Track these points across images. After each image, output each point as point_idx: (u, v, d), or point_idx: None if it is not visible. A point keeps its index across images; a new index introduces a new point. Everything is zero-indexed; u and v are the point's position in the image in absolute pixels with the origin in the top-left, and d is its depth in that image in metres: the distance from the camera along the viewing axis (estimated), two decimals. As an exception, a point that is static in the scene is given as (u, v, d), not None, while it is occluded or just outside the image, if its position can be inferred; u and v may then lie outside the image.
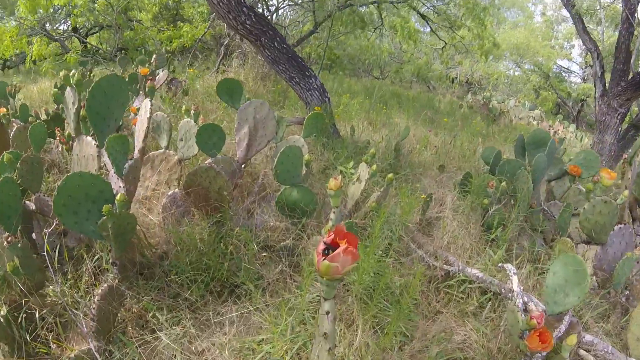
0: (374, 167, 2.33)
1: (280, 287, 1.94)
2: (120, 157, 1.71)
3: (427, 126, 6.11)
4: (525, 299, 1.79)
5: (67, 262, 1.92)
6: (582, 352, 1.77)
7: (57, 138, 2.80)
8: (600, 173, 2.37)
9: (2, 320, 1.56)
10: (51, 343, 1.64)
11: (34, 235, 1.98)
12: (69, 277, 1.86)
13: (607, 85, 5.47)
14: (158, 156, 2.44)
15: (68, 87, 2.17)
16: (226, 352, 1.55)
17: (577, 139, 9.97)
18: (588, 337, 1.76)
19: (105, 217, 1.54)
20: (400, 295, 1.88)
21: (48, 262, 1.75)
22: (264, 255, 2.13)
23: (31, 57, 7.55)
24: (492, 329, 1.82)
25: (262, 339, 1.62)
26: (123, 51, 9.52)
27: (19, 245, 1.61)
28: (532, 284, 2.18)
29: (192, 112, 2.57)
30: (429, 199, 2.60)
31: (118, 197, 1.59)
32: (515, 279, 1.80)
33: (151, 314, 1.76)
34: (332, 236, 1.01)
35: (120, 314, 1.76)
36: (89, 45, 9.93)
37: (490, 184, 2.56)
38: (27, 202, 1.98)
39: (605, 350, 1.73)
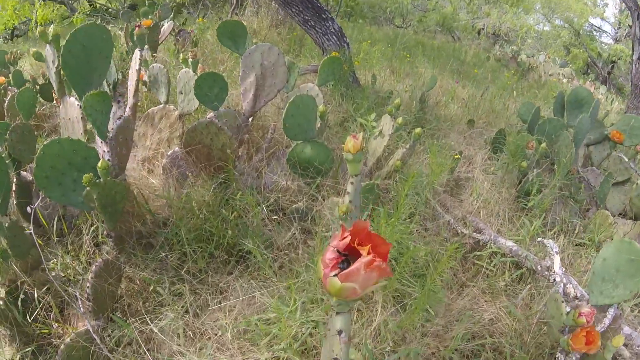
0: (400, 120, 2.05)
1: (292, 258, 1.76)
2: (101, 117, 1.52)
3: (453, 77, 5.67)
4: (565, 281, 1.57)
5: (67, 233, 1.80)
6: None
7: (55, 101, 2.61)
8: None
9: (1, 303, 1.50)
10: (52, 323, 1.56)
11: (28, 208, 1.83)
12: (69, 249, 1.74)
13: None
14: (157, 112, 2.22)
15: (47, 45, 1.92)
16: (229, 334, 1.39)
17: (608, 101, 9.34)
18: (626, 330, 1.55)
19: (88, 188, 1.38)
20: (425, 268, 1.68)
21: (34, 240, 1.61)
22: (274, 219, 1.94)
23: (36, 22, 7.24)
24: (525, 312, 1.61)
25: (270, 319, 1.45)
26: (133, 8, 9.08)
27: (6, 225, 1.48)
28: (567, 259, 1.95)
29: (190, 60, 2.29)
30: (459, 157, 2.33)
31: (100, 164, 1.41)
32: (557, 259, 1.57)
33: (152, 287, 1.63)
34: (347, 237, 0.70)
35: (122, 287, 1.65)
36: (97, 5, 9.47)
37: (530, 144, 2.26)
38: (24, 172, 1.84)
39: None
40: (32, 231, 1.58)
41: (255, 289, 1.58)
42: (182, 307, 1.56)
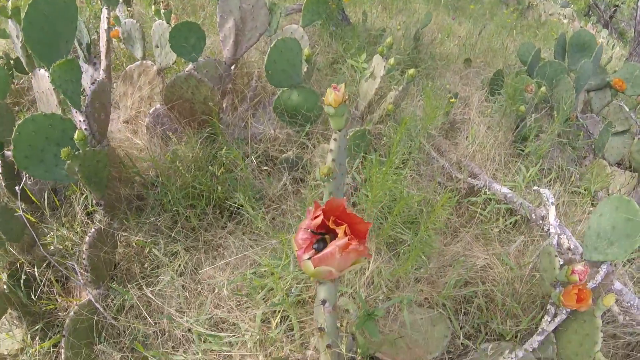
0: (392, 60, 1.94)
1: (284, 210, 1.73)
2: (71, 86, 1.44)
3: (449, 13, 5.39)
4: (559, 232, 1.56)
5: (59, 206, 1.78)
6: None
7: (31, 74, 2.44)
8: None
9: (5, 287, 1.50)
10: (56, 298, 1.58)
11: (17, 188, 1.78)
12: (63, 221, 1.73)
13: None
14: (135, 69, 2.09)
15: (9, 20, 1.76)
16: (225, 290, 1.39)
17: (609, 46, 9.01)
18: (617, 285, 1.56)
19: (68, 162, 1.35)
20: (418, 214, 1.66)
21: (22, 219, 1.58)
22: (264, 170, 1.89)
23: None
24: (518, 261, 1.63)
25: (264, 273, 1.45)
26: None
27: None
28: (562, 208, 1.95)
29: (163, 11, 2.10)
30: (454, 100, 2.25)
31: (76, 135, 1.35)
32: (553, 210, 1.55)
33: (147, 250, 1.63)
34: (320, 216, 0.64)
35: (120, 252, 1.66)
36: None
37: (529, 87, 2.17)
38: (7, 152, 1.75)
39: (632, 303, 1.54)
40: (22, 213, 1.55)
41: (248, 245, 1.57)
42: (179, 266, 1.57)
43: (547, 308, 1.43)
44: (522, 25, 6.20)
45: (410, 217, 1.67)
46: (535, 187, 1.69)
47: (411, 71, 1.87)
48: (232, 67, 2.07)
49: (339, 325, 1.01)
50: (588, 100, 2.73)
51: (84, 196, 1.72)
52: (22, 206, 1.69)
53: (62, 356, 1.39)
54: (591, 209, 2.01)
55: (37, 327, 1.55)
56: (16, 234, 1.57)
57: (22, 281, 1.56)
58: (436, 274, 1.60)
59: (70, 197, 1.78)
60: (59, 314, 1.60)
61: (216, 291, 1.46)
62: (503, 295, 1.54)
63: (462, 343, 1.52)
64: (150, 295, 1.49)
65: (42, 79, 1.65)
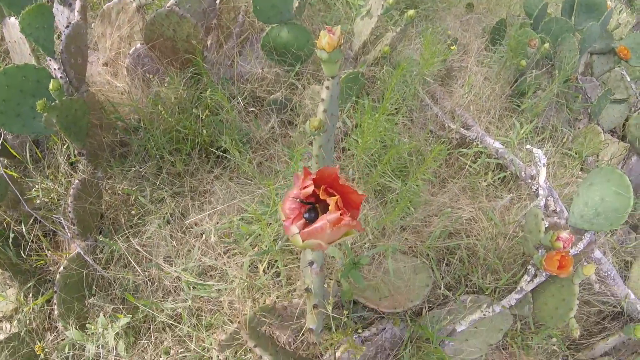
0: (391, -1, 1.82)
1: (272, 154, 1.68)
2: (43, 33, 1.37)
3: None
4: (547, 194, 1.57)
5: (42, 158, 1.73)
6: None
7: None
8: None
9: None
10: (46, 253, 1.59)
11: None
12: (47, 173, 1.68)
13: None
14: (114, 7, 1.92)
15: None
16: (212, 237, 1.38)
17: (616, 10, 8.67)
18: (597, 254, 1.61)
19: (45, 114, 1.30)
20: (408, 163, 1.64)
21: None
22: (251, 112, 1.82)
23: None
24: (503, 218, 1.65)
25: (251, 219, 1.44)
26: None
27: None
28: (551, 168, 1.96)
29: None
30: (454, 47, 2.16)
31: (51, 85, 1.30)
32: (543, 172, 1.55)
33: (133, 197, 1.62)
34: (310, 186, 0.61)
35: (106, 201, 1.65)
36: None
37: (533, 42, 2.09)
38: None
39: (608, 273, 1.60)
40: (2, 171, 1.50)
41: (235, 191, 1.54)
42: (165, 214, 1.56)
43: (528, 268, 1.48)
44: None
45: (399, 165, 1.65)
46: (528, 146, 1.68)
47: (411, 12, 1.76)
48: (217, 2, 1.92)
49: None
50: (590, 63, 2.68)
51: (65, 146, 1.67)
52: (5, 162, 1.64)
53: (56, 312, 1.42)
54: (580, 173, 2.04)
55: (29, 285, 1.56)
56: (0, 193, 1.53)
57: (10, 240, 1.55)
58: (421, 224, 1.62)
59: (53, 148, 1.72)
60: (50, 269, 1.60)
61: (204, 238, 1.45)
62: (485, 250, 1.58)
63: (442, 293, 1.58)
64: (137, 245, 1.50)
65: (12, 28, 1.56)
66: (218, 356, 1.19)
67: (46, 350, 1.47)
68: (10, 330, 1.56)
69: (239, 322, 1.03)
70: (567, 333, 1.66)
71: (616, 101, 2.43)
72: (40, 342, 1.50)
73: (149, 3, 1.98)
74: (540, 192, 1.55)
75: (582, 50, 2.35)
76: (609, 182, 1.35)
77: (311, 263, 0.80)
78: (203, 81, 1.75)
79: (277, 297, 1.31)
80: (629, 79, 2.45)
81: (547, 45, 2.10)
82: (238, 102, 1.76)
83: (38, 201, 1.63)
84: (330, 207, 0.59)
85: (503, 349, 1.70)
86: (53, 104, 1.32)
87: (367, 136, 1.41)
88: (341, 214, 0.58)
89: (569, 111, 2.36)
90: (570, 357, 1.71)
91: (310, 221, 0.61)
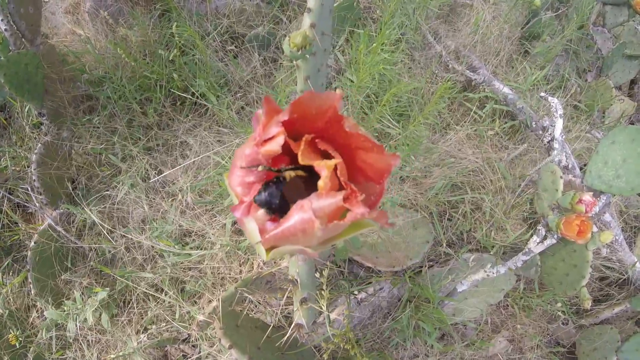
0: None
1: (253, 99, 1.57)
2: None
3: None
4: (563, 148, 1.51)
5: (7, 124, 1.64)
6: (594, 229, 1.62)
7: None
8: None
9: None
10: (19, 226, 1.53)
11: None
12: (14, 139, 1.60)
13: None
14: None
15: None
16: (189, 197, 1.29)
17: None
18: (607, 217, 1.56)
19: None
20: (408, 107, 1.55)
21: None
22: (230, 51, 1.68)
23: None
24: (511, 170, 1.59)
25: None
26: None
27: None
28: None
29: None
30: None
31: None
32: (560, 123, 1.47)
33: (103, 155, 1.53)
34: (278, 134, 0.31)
35: (76, 164, 1.55)
36: None
37: (548, -19, 1.97)
38: None
39: (617, 238, 1.56)
40: None
41: (213, 142, 1.43)
42: (139, 171, 1.47)
43: (538, 229, 1.44)
44: None
45: (399, 108, 1.56)
46: (542, 94, 1.59)
47: None
48: None
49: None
50: (602, 13, 2.58)
51: (27, 108, 1.56)
52: None
53: (32, 291, 1.38)
54: (588, 127, 1.99)
55: (6, 263, 1.50)
56: None
57: None
58: (422, 174, 1.56)
59: (15, 112, 1.61)
60: (26, 243, 1.53)
61: (180, 197, 1.36)
62: (491, 205, 1.53)
63: (443, 251, 1.55)
64: (109, 208, 1.42)
65: None
66: (198, 334, 1.13)
67: (30, 332, 1.43)
68: None
69: (214, 307, 0.95)
70: (573, 299, 1.66)
71: (629, 57, 2.37)
72: (23, 324, 1.46)
73: None
74: (556, 145, 1.49)
75: None
76: (633, 143, 1.28)
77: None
78: (173, 19, 1.60)
79: (263, 262, 1.25)
80: None
81: (562, -16, 1.98)
82: (214, 40, 1.61)
83: (10, 171, 1.55)
84: (321, 181, 0.32)
85: (503, 308, 1.71)
86: None
87: (363, 72, 1.30)
88: (346, 197, 0.31)
89: (578, 61, 2.29)
90: (571, 321, 1.72)
91: (274, 209, 0.33)
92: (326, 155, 0.33)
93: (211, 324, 0.96)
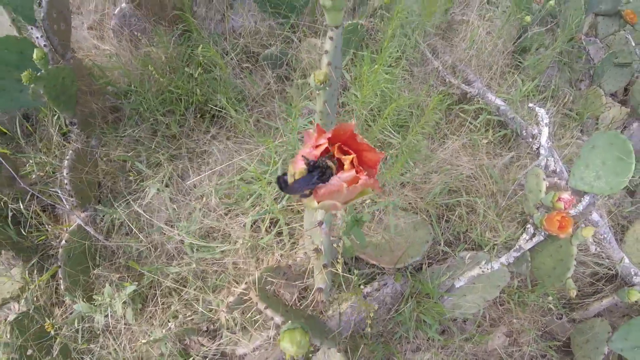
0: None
1: (268, 111, 1.74)
2: (21, 0, 1.38)
3: None
4: (549, 154, 1.68)
5: (33, 131, 1.78)
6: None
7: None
8: None
9: None
10: (46, 228, 1.66)
11: None
12: (40, 146, 1.75)
13: None
14: None
15: None
16: (213, 199, 1.46)
17: None
18: (595, 216, 1.73)
19: (32, 86, 1.35)
20: (408, 118, 1.72)
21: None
22: (246, 68, 1.87)
23: None
24: (503, 176, 1.75)
25: (251, 179, 1.52)
26: None
27: None
28: (552, 128, 2.06)
29: None
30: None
31: (35, 55, 1.33)
32: (546, 131, 1.65)
33: (129, 163, 1.69)
34: (324, 143, 0.60)
35: (102, 169, 1.71)
36: None
37: (538, -2, 2.15)
38: None
39: (605, 236, 1.72)
40: None
41: (233, 151, 1.61)
42: (164, 177, 1.64)
43: (527, 227, 1.59)
44: None
45: (399, 120, 1.73)
46: (531, 104, 1.76)
47: (412, -40, 1.79)
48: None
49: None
50: (595, 23, 2.75)
51: (56, 117, 1.71)
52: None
53: (62, 286, 1.52)
54: (579, 134, 2.15)
55: (33, 262, 1.64)
56: None
57: (9, 219, 1.61)
58: (421, 180, 1.72)
59: (43, 121, 1.77)
60: (52, 243, 1.69)
61: (204, 200, 1.53)
62: (485, 208, 1.70)
63: (442, 250, 1.71)
64: (138, 209, 1.58)
65: None
66: (226, 317, 1.30)
67: (56, 325, 1.56)
68: (18, 310, 1.64)
69: (246, 284, 1.13)
70: (562, 292, 1.81)
71: (619, 65, 2.52)
72: (49, 318, 1.59)
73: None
74: (542, 151, 1.65)
75: (588, 10, 2.41)
76: (611, 146, 1.43)
77: (320, 223, 0.87)
78: (193, 38, 1.78)
79: (281, 256, 1.42)
80: (633, 44, 2.53)
81: (552, 1, 2.16)
82: (231, 58, 1.80)
83: (34, 176, 1.69)
84: (345, 166, 0.60)
85: (500, 304, 1.86)
86: (39, 74, 1.35)
87: (367, 89, 1.48)
88: (357, 173, 0.59)
89: (571, 71, 2.45)
90: (564, 316, 1.87)
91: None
92: (347, 153, 0.62)
93: (240, 306, 1.13)
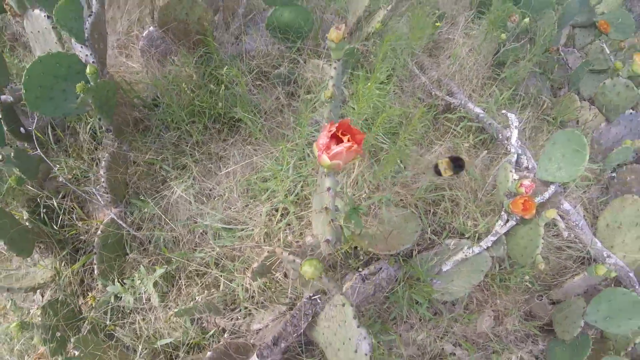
0: (381, -20, 2.19)
1: (279, 122, 2.07)
2: (75, 24, 1.65)
3: None
4: (520, 152, 1.98)
5: (62, 137, 2.04)
6: (557, 217, 2.03)
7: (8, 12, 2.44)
8: (634, 57, 2.35)
9: (28, 224, 1.81)
10: (77, 223, 1.92)
11: (22, 129, 1.99)
12: (70, 151, 2.02)
13: None
14: None
15: None
16: (234, 194, 1.77)
17: None
18: (566, 206, 2.00)
19: (82, 95, 1.58)
20: (398, 126, 2.04)
21: (42, 157, 1.85)
22: (259, 85, 2.20)
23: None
24: (482, 173, 2.05)
25: (266, 177, 1.84)
26: None
27: (12, 156, 1.71)
28: (529, 132, 2.35)
29: None
30: (439, 23, 2.53)
31: (88, 70, 1.58)
32: (515, 132, 1.95)
33: (157, 166, 1.98)
34: (334, 130, 1.05)
35: (129, 174, 1.98)
36: None
37: (513, 17, 2.46)
38: (3, 96, 1.92)
39: (577, 223, 1.99)
40: (38, 150, 1.83)
41: (251, 153, 1.93)
42: (189, 177, 1.94)
43: (501, 214, 1.89)
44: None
45: (391, 128, 2.04)
46: (503, 111, 2.07)
47: (400, -9, 2.13)
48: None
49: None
50: (572, 35, 3.04)
51: (89, 125, 2.00)
52: (25, 145, 1.96)
53: (96, 271, 1.77)
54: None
55: (64, 253, 1.90)
56: (32, 171, 1.85)
57: (42, 215, 1.87)
58: (411, 180, 2.02)
59: (74, 128, 2.05)
60: (81, 238, 1.96)
61: (225, 196, 1.85)
62: (466, 201, 1.99)
63: (429, 238, 2.00)
64: (166, 205, 1.86)
65: (37, 19, 1.82)
66: (250, 284, 1.60)
67: (84, 308, 1.81)
68: (50, 296, 1.90)
69: (268, 252, 1.43)
70: (539, 273, 2.09)
71: (596, 71, 2.81)
72: (80, 302, 1.84)
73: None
74: (512, 149, 1.96)
75: (562, 24, 2.68)
76: (569, 141, 1.74)
77: (329, 188, 1.21)
78: (214, 59, 2.11)
79: (292, 238, 1.72)
80: (608, 52, 2.81)
81: (526, 20, 2.46)
82: (247, 77, 2.13)
83: (61, 178, 1.93)
84: (344, 141, 1.03)
85: (485, 289, 2.13)
86: (90, 86, 1.61)
87: (362, 103, 1.80)
88: (352, 144, 1.02)
89: (550, 80, 2.74)
90: (545, 297, 2.14)
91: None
92: (345, 135, 1.05)
93: (264, 273, 1.43)
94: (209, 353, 1.49)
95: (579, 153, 1.71)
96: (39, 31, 1.88)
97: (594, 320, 1.84)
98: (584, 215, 2.21)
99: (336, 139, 1.05)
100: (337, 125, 1.04)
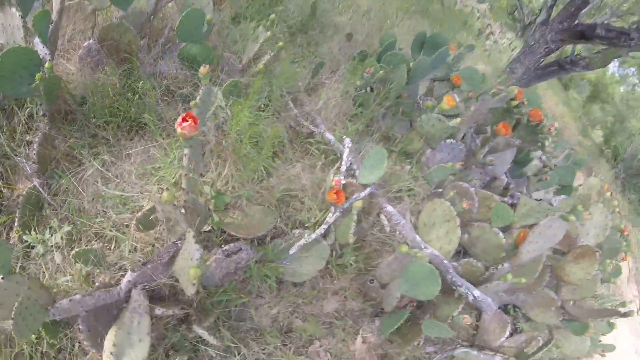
0: (269, 33, 2.95)
1: (175, 129, 2.72)
2: (45, 29, 2.23)
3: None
4: (353, 165, 2.77)
5: (0, 117, 2.49)
6: (381, 217, 2.80)
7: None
8: (444, 98, 3.15)
9: None
10: (2, 189, 2.34)
11: None
12: (4, 130, 2.47)
13: (551, 17, 5.92)
14: (73, 6, 2.84)
15: None
16: (133, 176, 2.39)
17: (509, 47, 10.21)
18: (389, 208, 2.79)
19: (37, 82, 2.15)
20: (266, 142, 2.75)
21: None
22: (165, 100, 2.84)
23: None
24: (321, 181, 2.82)
25: (159, 167, 2.47)
26: None
27: None
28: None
29: None
30: (317, 69, 3.33)
31: (47, 65, 2.18)
32: (347, 151, 2.74)
33: (77, 151, 2.54)
34: (186, 117, 1.70)
35: (53, 154, 2.50)
36: None
37: (368, 70, 3.31)
38: None
39: (398, 222, 2.78)
40: None
41: (151, 149, 2.56)
42: (99, 162, 2.52)
43: (331, 208, 2.63)
44: (435, 10, 7.30)
45: (261, 144, 2.75)
46: (343, 137, 2.87)
47: (280, 44, 2.91)
48: (152, 17, 2.93)
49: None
50: (431, 87, 3.90)
51: (27, 109, 2.50)
52: None
53: (17, 222, 2.23)
54: (403, 163, 3.27)
55: None
56: None
57: None
58: (271, 187, 2.73)
59: (12, 110, 2.52)
60: (3, 202, 2.39)
61: (127, 176, 2.46)
62: (310, 201, 2.72)
63: (281, 228, 2.69)
64: (82, 177, 2.44)
65: (12, 16, 2.35)
66: (134, 231, 2.20)
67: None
68: None
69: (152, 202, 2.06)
70: (360, 255, 2.80)
71: (447, 115, 3.68)
72: None
73: (103, 8, 2.93)
74: (343, 162, 2.75)
75: (416, 77, 3.39)
76: (377, 155, 2.56)
77: (186, 155, 1.84)
78: (134, 74, 2.74)
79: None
80: (458, 100, 3.65)
81: (382, 72, 3.31)
82: (157, 92, 2.77)
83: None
84: (189, 121, 1.67)
85: (330, 275, 2.84)
86: (45, 76, 2.16)
87: (236, 120, 2.51)
88: (192, 121, 1.67)
89: (407, 116, 3.54)
90: (370, 275, 2.84)
91: None
92: (190, 117, 1.76)
93: (147, 223, 2.06)
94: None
95: (380, 163, 2.52)
96: (10, 25, 2.32)
97: (405, 290, 2.34)
98: (411, 218, 2.99)
99: (185, 121, 1.69)
100: (189, 113, 1.69)
